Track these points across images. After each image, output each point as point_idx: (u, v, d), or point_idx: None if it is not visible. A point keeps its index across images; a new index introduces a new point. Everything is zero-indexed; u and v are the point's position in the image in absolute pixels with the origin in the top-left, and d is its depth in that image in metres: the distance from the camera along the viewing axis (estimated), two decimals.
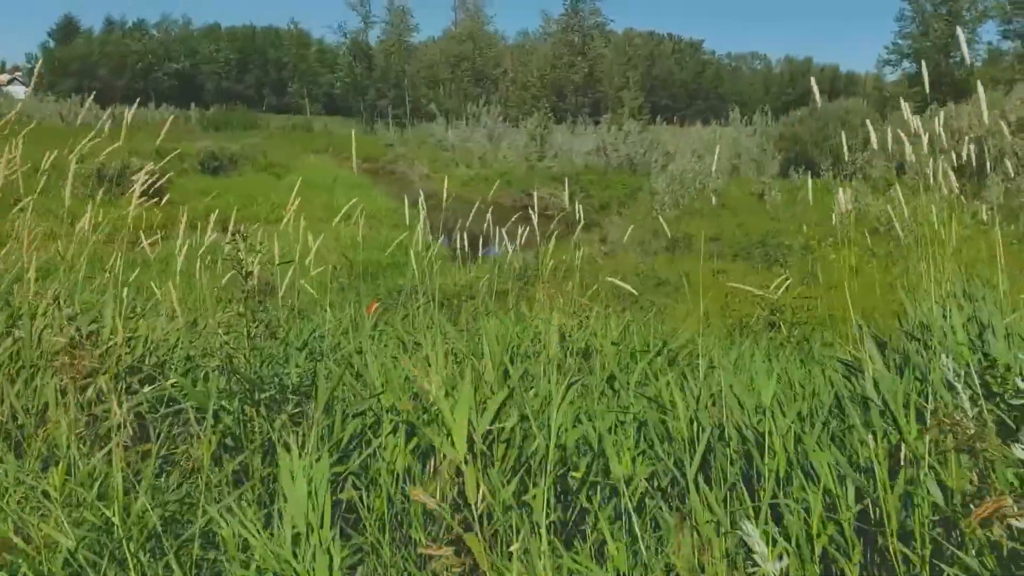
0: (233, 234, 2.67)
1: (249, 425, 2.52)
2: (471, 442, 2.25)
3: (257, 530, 1.95)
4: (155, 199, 4.59)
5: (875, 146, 4.19)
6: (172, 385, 2.74)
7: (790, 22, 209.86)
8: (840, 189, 4.76)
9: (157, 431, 2.55)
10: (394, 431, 2.50)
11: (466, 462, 2.21)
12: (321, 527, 1.98)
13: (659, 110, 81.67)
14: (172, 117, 6.22)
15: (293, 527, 1.95)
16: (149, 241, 4.46)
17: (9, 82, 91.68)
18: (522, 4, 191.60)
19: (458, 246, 6.70)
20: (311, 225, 6.76)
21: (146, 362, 2.91)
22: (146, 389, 2.65)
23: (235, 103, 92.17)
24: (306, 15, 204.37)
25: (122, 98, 79.16)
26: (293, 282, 5.22)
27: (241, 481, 2.45)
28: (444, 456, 2.32)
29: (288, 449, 2.04)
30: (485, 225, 6.74)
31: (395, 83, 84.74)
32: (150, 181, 4.03)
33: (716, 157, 15.65)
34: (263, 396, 2.50)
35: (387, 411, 2.58)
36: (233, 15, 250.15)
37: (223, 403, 2.56)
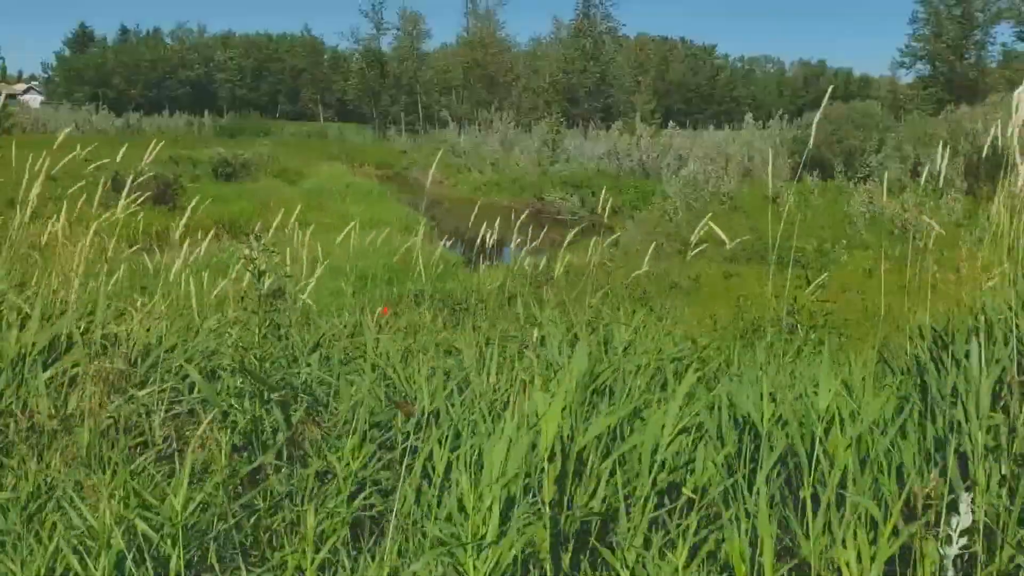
0: (247, 237, 2.69)
1: (261, 425, 2.53)
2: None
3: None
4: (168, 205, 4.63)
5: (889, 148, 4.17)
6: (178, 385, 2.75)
7: (803, 24, 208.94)
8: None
9: (164, 433, 2.55)
10: None
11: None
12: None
13: (672, 115, 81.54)
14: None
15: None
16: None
17: (25, 91, 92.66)
18: (534, 10, 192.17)
19: (470, 251, 6.72)
20: (324, 232, 6.80)
21: (138, 364, 2.91)
22: (143, 392, 2.66)
23: (249, 110, 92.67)
24: (319, 22, 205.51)
25: (136, 106, 79.72)
26: (304, 288, 5.24)
27: (256, 482, 2.47)
28: None
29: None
30: (498, 230, 6.75)
31: (408, 89, 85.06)
32: (160, 188, 4.07)
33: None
34: (275, 396, 2.52)
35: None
36: (247, 23, 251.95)
37: (235, 403, 2.57)
